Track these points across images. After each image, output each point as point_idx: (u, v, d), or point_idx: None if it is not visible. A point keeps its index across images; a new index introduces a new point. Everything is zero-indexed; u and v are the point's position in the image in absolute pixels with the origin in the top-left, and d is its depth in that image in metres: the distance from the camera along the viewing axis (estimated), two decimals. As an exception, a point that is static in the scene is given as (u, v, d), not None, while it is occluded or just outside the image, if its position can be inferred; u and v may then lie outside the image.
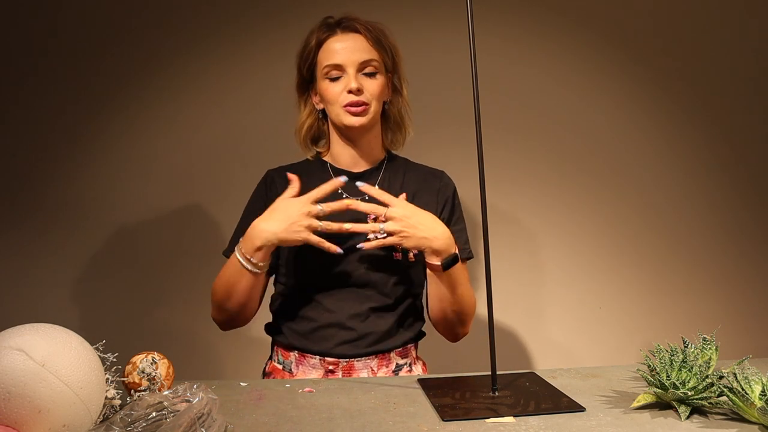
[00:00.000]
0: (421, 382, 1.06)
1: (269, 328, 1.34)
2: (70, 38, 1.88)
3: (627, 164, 2.07)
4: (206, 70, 1.93)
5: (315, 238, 1.14)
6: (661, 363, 0.93)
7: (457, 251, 1.19)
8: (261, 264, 1.18)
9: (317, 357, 1.24)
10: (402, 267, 1.26)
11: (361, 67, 1.23)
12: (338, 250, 1.16)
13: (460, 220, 1.35)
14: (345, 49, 1.22)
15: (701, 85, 2.09)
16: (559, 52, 2.03)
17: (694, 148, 2.09)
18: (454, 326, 1.28)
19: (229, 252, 1.30)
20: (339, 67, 1.23)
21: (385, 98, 1.30)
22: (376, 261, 1.24)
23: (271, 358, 1.35)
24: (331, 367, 1.24)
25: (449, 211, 1.33)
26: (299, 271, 1.26)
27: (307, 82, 1.31)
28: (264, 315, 1.37)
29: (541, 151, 2.03)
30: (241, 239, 1.19)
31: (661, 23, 2.07)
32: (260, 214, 1.30)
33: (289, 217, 1.14)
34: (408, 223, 1.15)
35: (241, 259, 1.18)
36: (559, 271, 2.05)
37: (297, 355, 1.26)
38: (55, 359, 0.75)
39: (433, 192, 1.32)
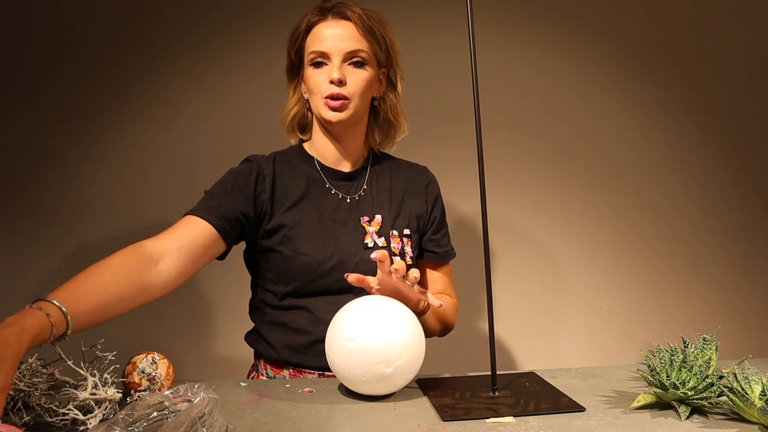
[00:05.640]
0: (421, 382, 1.06)
1: (251, 339, 1.24)
2: (70, 38, 1.88)
3: (628, 164, 2.07)
4: (206, 71, 1.93)
5: None
6: (661, 363, 0.93)
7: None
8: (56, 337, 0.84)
9: (315, 372, 1.16)
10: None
11: (348, 57, 1.15)
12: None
13: (445, 221, 1.33)
14: (333, 37, 1.15)
15: (702, 85, 2.09)
16: (560, 52, 2.03)
17: (695, 148, 2.10)
18: (440, 335, 1.28)
19: (194, 210, 1.18)
20: (324, 55, 1.15)
21: (374, 93, 1.23)
22: (373, 265, 1.17)
23: (257, 371, 1.24)
24: None
25: (439, 210, 1.31)
26: (291, 278, 1.17)
27: (295, 67, 1.24)
28: (245, 322, 1.28)
29: (541, 150, 2.03)
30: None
31: (662, 23, 2.06)
32: (238, 189, 1.18)
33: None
34: None
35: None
36: (559, 271, 2.05)
37: (291, 371, 1.18)
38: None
39: (421, 189, 1.30)
